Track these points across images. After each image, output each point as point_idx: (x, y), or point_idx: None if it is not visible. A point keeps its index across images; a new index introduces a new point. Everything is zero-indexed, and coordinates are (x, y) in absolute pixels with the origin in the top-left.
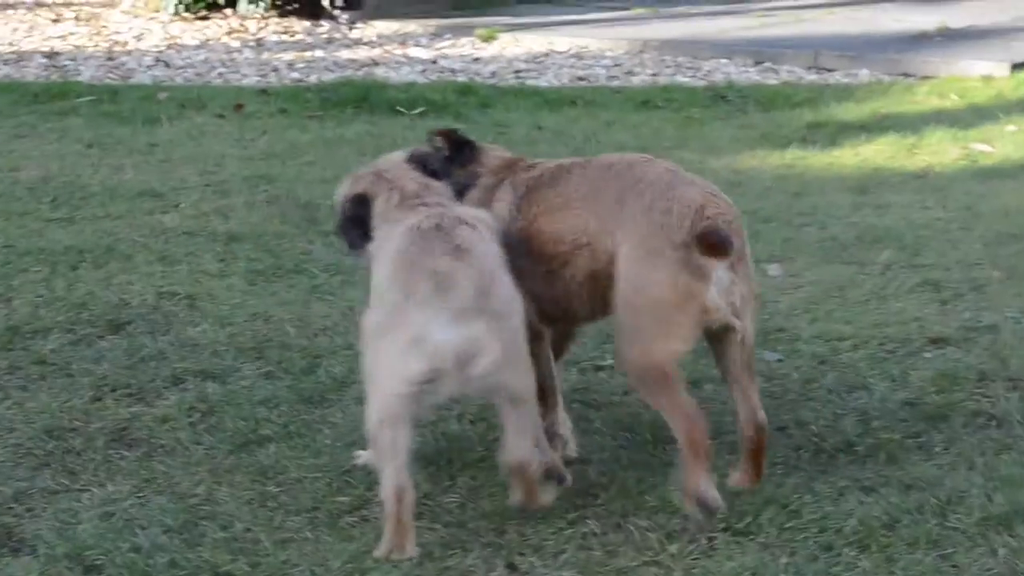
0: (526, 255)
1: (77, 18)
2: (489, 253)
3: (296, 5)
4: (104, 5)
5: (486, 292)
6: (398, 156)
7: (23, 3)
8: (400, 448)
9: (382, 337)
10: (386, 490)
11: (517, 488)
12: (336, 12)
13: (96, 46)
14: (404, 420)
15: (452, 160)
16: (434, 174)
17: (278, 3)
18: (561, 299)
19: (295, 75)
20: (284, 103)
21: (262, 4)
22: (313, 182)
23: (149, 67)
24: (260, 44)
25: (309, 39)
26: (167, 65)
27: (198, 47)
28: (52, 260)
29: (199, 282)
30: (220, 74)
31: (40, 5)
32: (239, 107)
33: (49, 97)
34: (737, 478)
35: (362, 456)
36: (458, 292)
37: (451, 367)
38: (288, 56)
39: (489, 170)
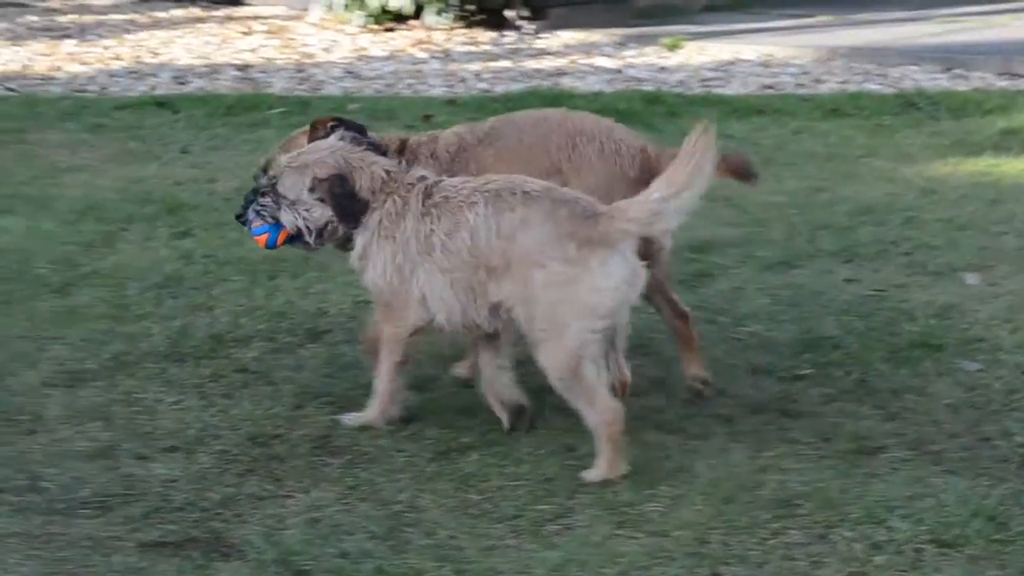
0: None
1: (267, 31)
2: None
3: (482, 16)
4: (292, 18)
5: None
6: (334, 141)
7: (214, 17)
8: (603, 377)
9: (567, 283)
10: (604, 416)
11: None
12: (521, 23)
13: (286, 58)
14: (598, 354)
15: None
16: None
17: (464, 14)
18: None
19: (482, 85)
20: (472, 113)
21: (448, 15)
22: None
23: (338, 79)
24: (447, 55)
25: (495, 49)
26: (356, 77)
27: (386, 58)
28: (251, 270)
29: None
30: (408, 85)
31: (230, 19)
32: (428, 117)
33: (242, 109)
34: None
35: (348, 419)
36: None
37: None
38: (475, 67)
39: (394, 150)
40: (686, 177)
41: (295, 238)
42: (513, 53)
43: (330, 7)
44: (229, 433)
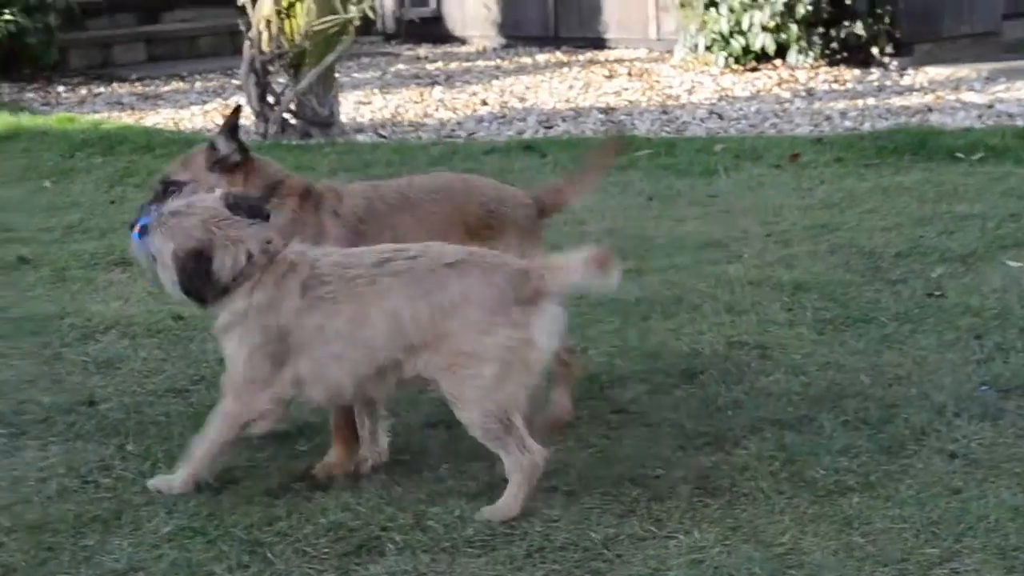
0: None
1: (629, 73)
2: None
3: (845, 54)
4: (655, 60)
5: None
6: (213, 201)
7: (577, 61)
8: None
9: (512, 349)
10: (535, 456)
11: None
12: (886, 59)
13: (649, 100)
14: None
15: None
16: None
17: (827, 52)
18: None
19: (848, 123)
20: (839, 152)
21: (812, 54)
22: (875, 230)
23: (703, 120)
24: (810, 93)
25: (859, 87)
26: (720, 117)
27: (749, 98)
28: (624, 311)
29: (768, 331)
30: (773, 124)
31: (593, 62)
32: (795, 157)
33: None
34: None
35: (154, 482)
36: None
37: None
38: (840, 105)
39: (296, 195)
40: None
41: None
42: (879, 91)
43: (693, 48)
44: (608, 474)
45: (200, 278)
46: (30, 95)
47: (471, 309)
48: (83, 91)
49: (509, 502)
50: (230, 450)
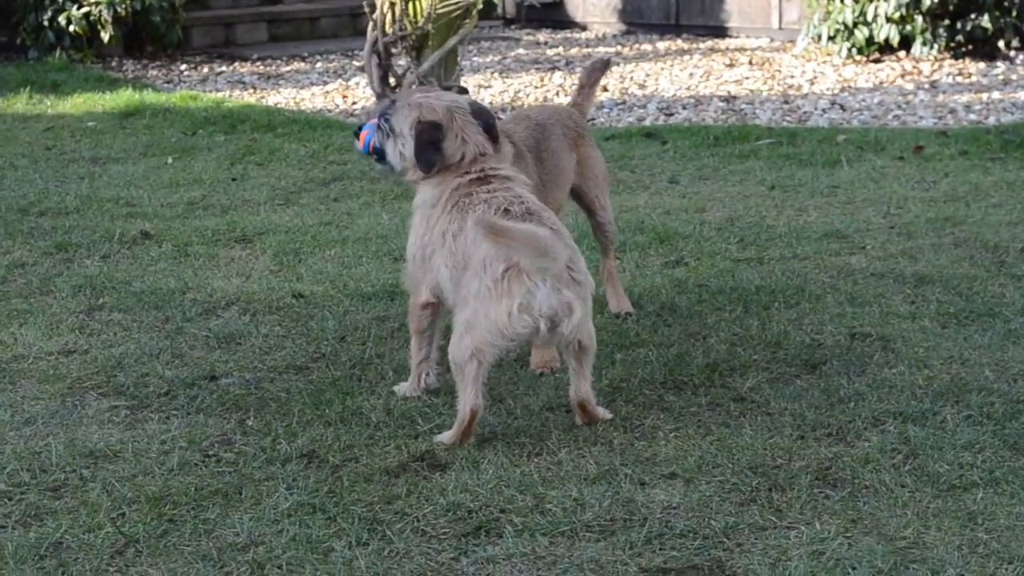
0: None
1: (750, 62)
2: (566, 234)
3: (970, 47)
4: (777, 49)
5: (574, 265)
6: (463, 100)
7: (698, 49)
8: (481, 378)
9: (489, 299)
10: (464, 407)
11: (580, 417)
12: (1012, 53)
13: (771, 89)
14: (491, 360)
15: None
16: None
17: (952, 45)
18: None
19: (972, 117)
20: (964, 145)
21: (936, 46)
22: (1000, 225)
23: (824, 110)
24: (934, 86)
25: (984, 80)
26: (842, 108)
27: (872, 90)
28: (744, 299)
29: (890, 324)
30: (896, 116)
31: (714, 50)
32: (918, 149)
33: (729, 140)
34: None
35: (400, 388)
36: (556, 265)
37: (546, 328)
38: (964, 98)
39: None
40: None
41: (382, 157)
42: (1004, 84)
43: (817, 38)
44: (727, 462)
45: (433, 148)
46: (153, 73)
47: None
48: (205, 69)
49: (449, 434)
50: (427, 340)
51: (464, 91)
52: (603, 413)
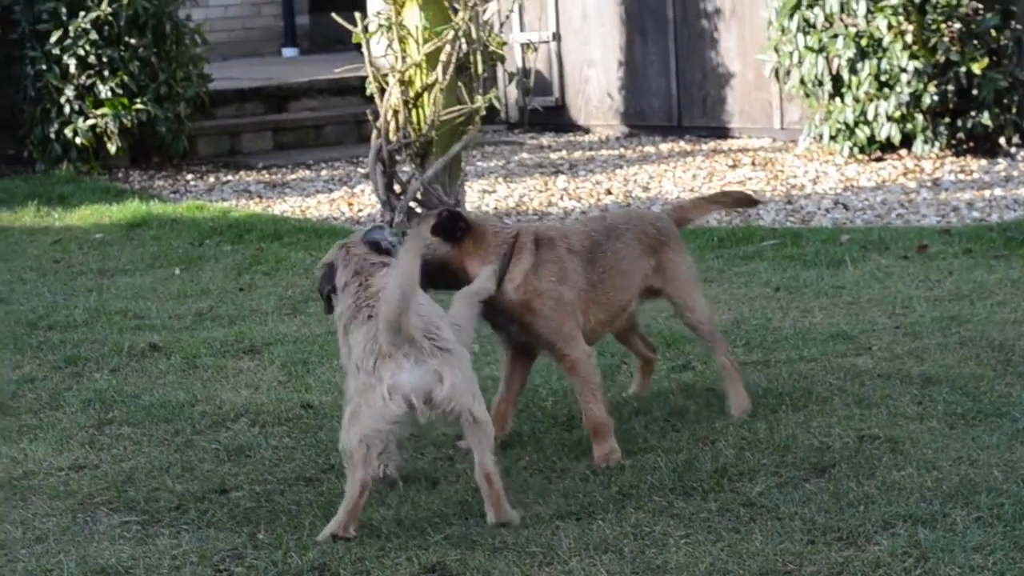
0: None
1: (753, 163)
2: (426, 303)
3: (971, 144)
4: (779, 150)
5: (435, 334)
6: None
7: (700, 150)
8: (371, 461)
9: (366, 389)
10: (354, 486)
11: (486, 492)
12: (1013, 149)
13: (774, 190)
14: (379, 446)
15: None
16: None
17: (953, 142)
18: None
19: (975, 214)
20: (967, 243)
21: (938, 143)
22: (1005, 323)
23: (828, 210)
24: (936, 184)
25: (986, 177)
26: (845, 207)
27: (874, 188)
28: (755, 402)
29: (898, 425)
30: (899, 215)
31: (717, 151)
32: (922, 248)
33: (733, 241)
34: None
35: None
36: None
37: (421, 403)
38: (966, 195)
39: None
40: None
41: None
42: (1006, 181)
43: (818, 138)
44: (739, 569)
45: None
46: (160, 183)
47: None
48: (211, 179)
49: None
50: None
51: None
52: (511, 514)
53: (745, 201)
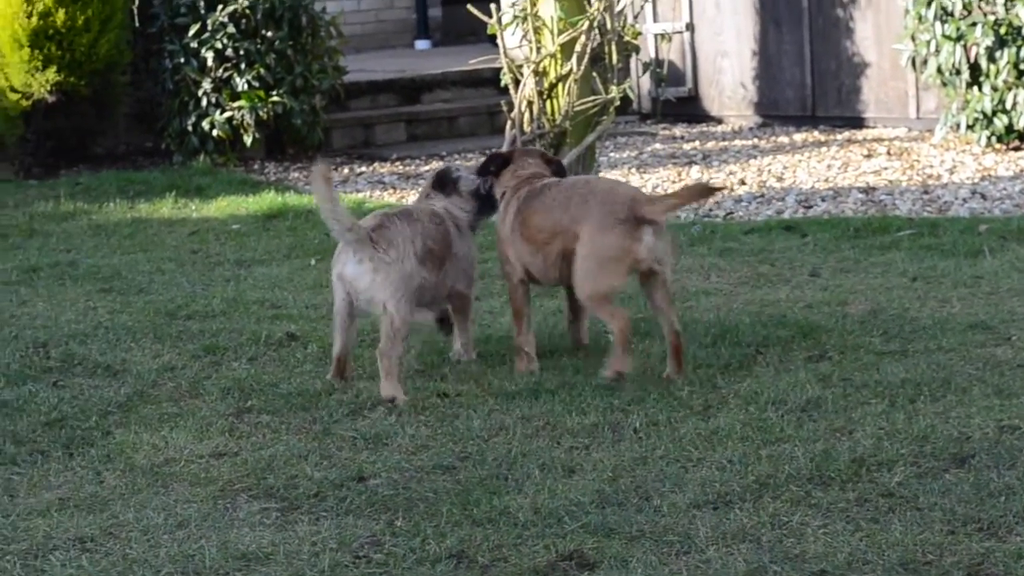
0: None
1: (888, 152)
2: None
3: None
4: (915, 139)
5: (383, 247)
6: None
7: (835, 140)
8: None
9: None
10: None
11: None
12: None
13: (910, 179)
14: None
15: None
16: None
17: None
18: (540, 266)
19: None
20: None
21: None
22: None
23: (965, 200)
24: None
25: None
26: (983, 197)
27: (1013, 178)
28: (890, 393)
29: None
30: None
31: (851, 141)
32: None
33: (869, 231)
34: (667, 372)
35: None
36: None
37: (348, 291)
38: None
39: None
40: None
41: None
42: None
43: (955, 127)
44: (878, 559)
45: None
46: (295, 175)
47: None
48: (345, 170)
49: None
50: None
51: None
52: (390, 391)
53: (705, 192)
